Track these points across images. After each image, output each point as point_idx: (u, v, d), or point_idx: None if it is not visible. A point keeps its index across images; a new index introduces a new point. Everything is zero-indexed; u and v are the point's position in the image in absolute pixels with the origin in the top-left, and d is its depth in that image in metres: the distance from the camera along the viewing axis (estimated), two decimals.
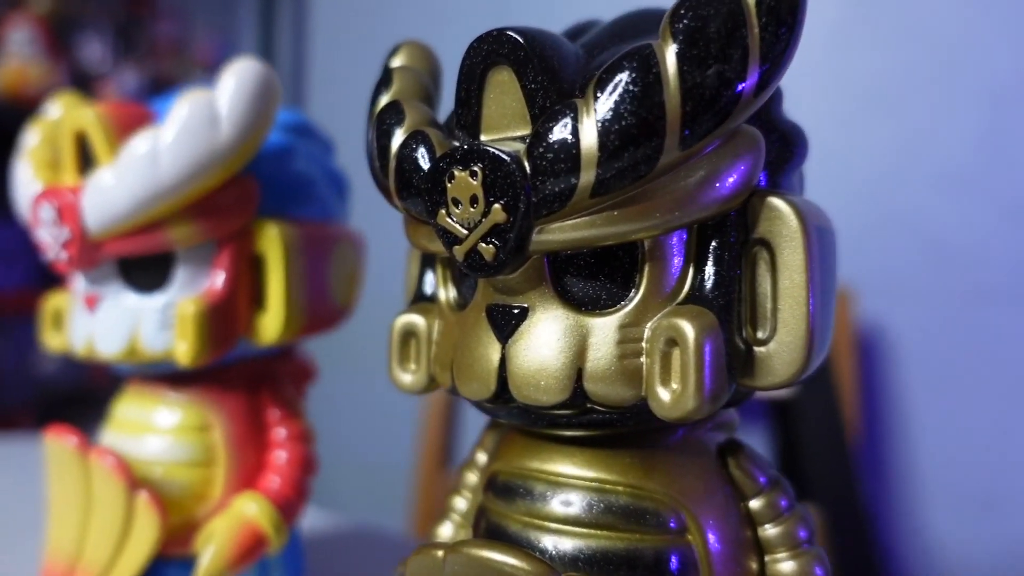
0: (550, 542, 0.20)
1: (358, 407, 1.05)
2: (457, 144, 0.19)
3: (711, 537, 0.20)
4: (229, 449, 0.30)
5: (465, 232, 0.18)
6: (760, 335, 0.19)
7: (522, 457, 0.22)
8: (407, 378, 0.23)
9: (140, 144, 0.26)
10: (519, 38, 0.18)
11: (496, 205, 0.18)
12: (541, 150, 0.17)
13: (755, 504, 0.21)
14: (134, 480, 0.28)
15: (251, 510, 0.29)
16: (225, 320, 0.28)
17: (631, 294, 0.19)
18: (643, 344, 0.19)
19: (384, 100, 0.21)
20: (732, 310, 0.19)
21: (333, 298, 0.31)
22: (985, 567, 0.70)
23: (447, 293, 0.22)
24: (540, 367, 0.19)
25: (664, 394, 0.18)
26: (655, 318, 0.19)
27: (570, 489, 0.20)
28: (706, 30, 0.17)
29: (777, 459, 0.76)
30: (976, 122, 0.68)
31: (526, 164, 0.17)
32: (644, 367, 0.19)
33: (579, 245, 0.18)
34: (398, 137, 0.20)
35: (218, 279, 0.29)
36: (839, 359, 0.71)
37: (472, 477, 0.25)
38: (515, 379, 0.19)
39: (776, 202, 0.19)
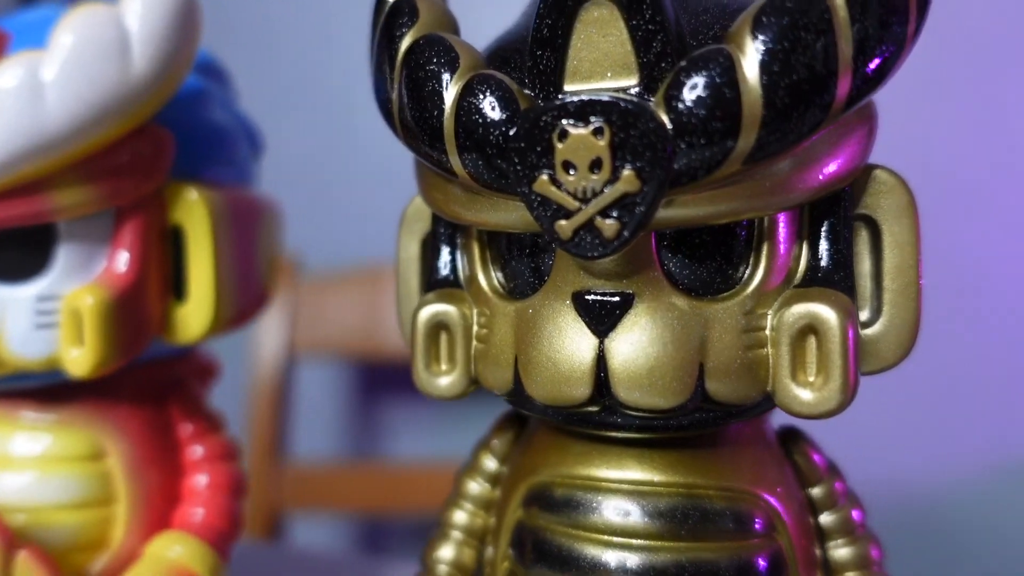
0: (635, 560, 0.17)
1: None
2: (572, 94, 0.15)
3: (794, 534, 0.18)
4: (131, 480, 0.23)
5: (577, 204, 0.15)
6: (862, 317, 0.17)
7: (578, 464, 0.19)
8: (442, 381, 0.18)
9: (11, 75, 0.19)
10: None
11: (627, 170, 0.14)
12: (690, 105, 0.14)
13: (817, 491, 0.20)
14: (9, 536, 0.21)
15: (176, 553, 0.22)
16: (134, 314, 0.21)
17: (745, 276, 0.17)
18: (766, 332, 0.16)
19: (410, 33, 0.17)
20: (855, 292, 0.17)
21: (260, 282, 0.25)
22: None
23: (489, 277, 0.18)
24: (654, 365, 0.16)
25: (801, 390, 0.16)
26: (776, 303, 0.16)
27: (653, 497, 0.18)
28: None
29: None
30: None
31: (666, 121, 0.14)
32: (769, 359, 0.16)
33: (707, 221, 0.15)
34: (454, 82, 0.16)
35: (120, 260, 0.22)
36: None
37: (475, 486, 0.21)
38: (621, 380, 0.16)
39: (884, 175, 0.17)
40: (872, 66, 0.15)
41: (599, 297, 0.16)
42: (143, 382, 0.24)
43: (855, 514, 0.20)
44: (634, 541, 0.17)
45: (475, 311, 0.18)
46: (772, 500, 0.18)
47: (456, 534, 0.21)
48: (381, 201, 0.66)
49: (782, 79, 0.14)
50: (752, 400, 0.16)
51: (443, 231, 0.20)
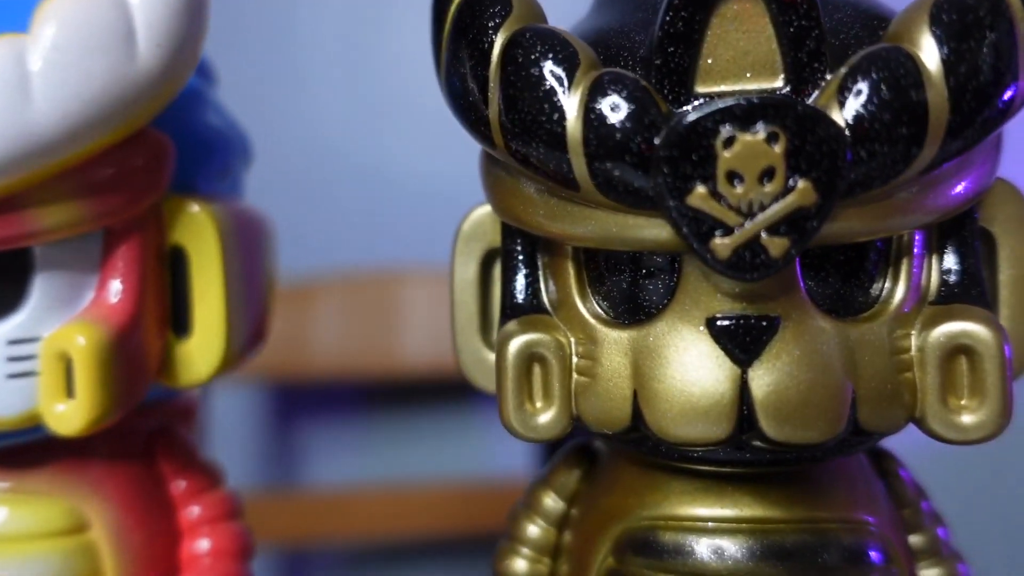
0: None
1: None
2: (735, 95, 0.13)
3: (905, 561, 0.18)
4: (120, 553, 0.19)
5: (740, 219, 0.13)
6: None
7: (683, 504, 0.17)
8: (542, 419, 0.16)
9: None
10: None
11: (803, 182, 0.13)
12: (873, 108, 0.13)
13: (908, 512, 0.19)
14: None
15: None
16: (133, 355, 0.18)
17: (884, 294, 0.15)
18: (912, 354, 0.15)
19: (506, 25, 0.15)
20: (992, 307, 0.16)
21: (264, 310, 0.22)
22: None
23: (588, 301, 0.16)
24: (808, 395, 0.14)
25: (957, 415, 0.15)
26: (917, 322, 0.15)
27: (777, 535, 0.16)
28: None
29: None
30: None
31: (844, 126, 0.13)
32: (917, 382, 0.15)
33: (864, 236, 0.14)
34: (577, 82, 0.14)
35: (112, 290, 0.18)
36: None
37: (535, 530, 0.19)
38: (770, 413, 0.14)
39: (999, 185, 0.16)
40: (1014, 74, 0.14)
41: (741, 322, 0.14)
42: (124, 434, 0.20)
43: (941, 533, 0.19)
44: None
45: (572, 340, 0.16)
46: (886, 528, 0.17)
47: None
48: (305, 212, 0.62)
49: (970, 81, 0.13)
50: (899, 428, 0.15)
51: (520, 248, 0.17)
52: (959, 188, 0.15)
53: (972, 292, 0.16)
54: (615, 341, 0.16)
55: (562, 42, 0.14)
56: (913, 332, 0.15)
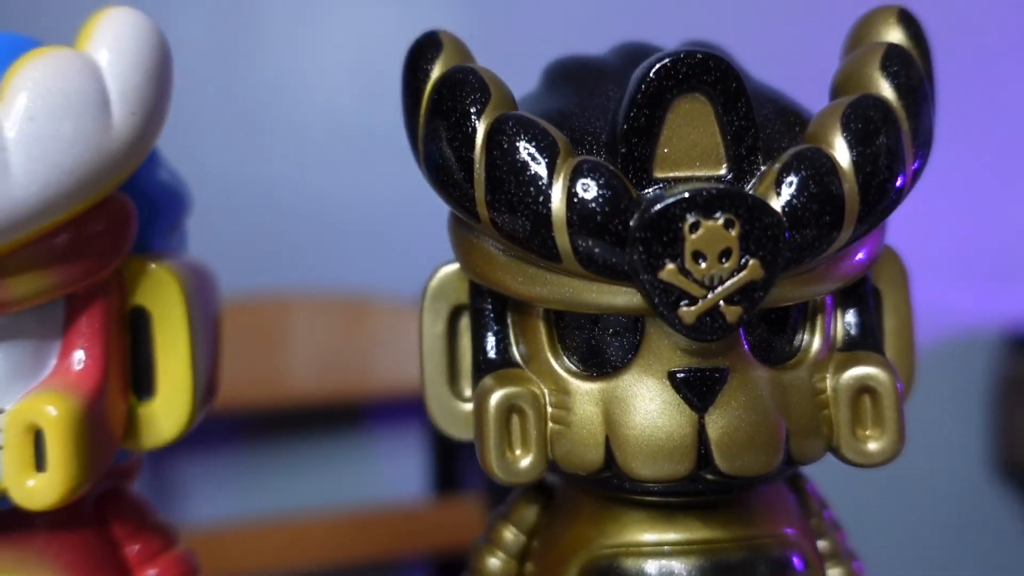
0: None
1: None
2: (697, 186, 0.15)
3: (819, 564, 0.20)
4: None
5: (704, 291, 0.15)
6: None
7: (642, 531, 0.19)
8: (524, 464, 0.17)
9: None
10: (728, 64, 0.16)
11: (753, 260, 0.15)
12: (803, 199, 0.15)
13: (815, 521, 0.22)
14: None
15: None
16: (102, 423, 0.17)
17: (803, 345, 0.18)
18: (827, 394, 0.18)
19: (487, 111, 0.16)
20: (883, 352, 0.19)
21: (218, 363, 0.22)
22: None
23: (558, 356, 0.18)
24: (753, 434, 0.17)
25: (864, 443, 0.18)
26: (829, 367, 0.18)
27: (723, 554, 0.18)
28: (912, 87, 0.17)
29: (433, 454, 0.78)
30: None
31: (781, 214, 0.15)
32: (832, 417, 0.18)
33: (793, 301, 0.17)
34: (560, 167, 0.15)
35: (75, 358, 0.17)
36: None
37: (496, 563, 0.21)
38: (725, 450, 0.16)
39: (887, 250, 0.20)
40: (918, 163, 0.17)
41: (698, 375, 0.17)
42: (74, 501, 0.20)
43: (840, 537, 0.22)
44: None
45: (545, 391, 0.18)
46: (803, 538, 0.20)
47: None
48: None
49: (874, 177, 0.16)
50: (820, 457, 0.18)
51: (490, 307, 0.19)
52: (861, 257, 0.18)
53: (869, 340, 0.19)
54: (586, 392, 0.17)
55: (542, 131, 0.16)
56: (828, 376, 0.18)
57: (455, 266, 0.19)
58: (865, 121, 0.16)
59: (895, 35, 0.18)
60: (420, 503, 0.77)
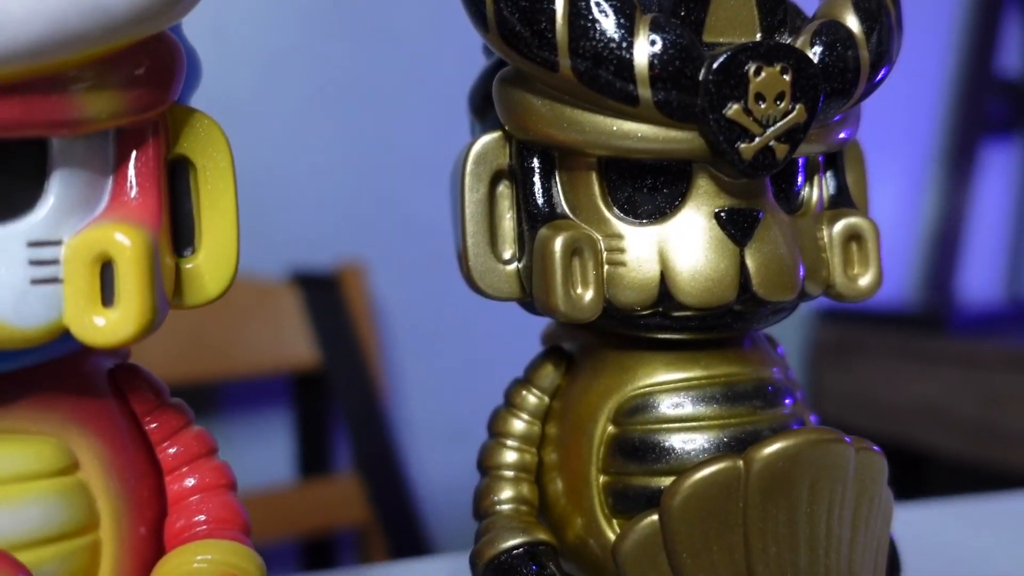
0: (721, 436, 0.20)
1: None
2: (758, 40, 0.18)
3: (803, 403, 0.23)
4: (111, 494, 0.17)
5: (761, 129, 0.18)
6: None
7: (668, 371, 0.21)
8: (587, 299, 0.19)
9: None
10: None
11: (799, 105, 0.18)
12: (834, 58, 0.19)
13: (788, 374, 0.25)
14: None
15: (210, 561, 0.17)
16: (161, 266, 0.17)
17: (806, 199, 0.21)
18: (824, 241, 0.21)
19: None
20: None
21: None
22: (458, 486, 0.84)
23: (609, 204, 0.19)
24: (783, 266, 0.19)
25: (855, 281, 0.21)
26: (824, 222, 0.21)
27: (735, 385, 0.21)
28: None
29: (301, 434, 0.75)
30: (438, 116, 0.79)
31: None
32: (827, 260, 0.21)
33: (807, 153, 0.20)
34: (639, 20, 0.17)
35: (132, 193, 0.16)
36: (363, 330, 0.75)
37: (520, 424, 0.22)
38: (761, 278, 0.19)
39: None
40: (896, 49, 0.21)
41: (739, 213, 0.19)
42: (88, 371, 0.18)
43: (801, 392, 0.25)
44: (724, 421, 0.20)
45: (599, 237, 0.19)
46: (791, 383, 0.23)
47: (509, 473, 0.22)
48: None
49: (879, 48, 0.19)
50: (819, 294, 0.21)
51: (539, 166, 0.20)
52: (845, 134, 0.21)
53: (848, 200, 0.22)
54: (639, 235, 0.19)
55: None
56: (824, 226, 0.21)
57: (494, 134, 0.21)
58: (871, 1, 0.19)
59: None
60: (287, 486, 0.74)
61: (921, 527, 0.30)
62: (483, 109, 0.22)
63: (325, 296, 0.73)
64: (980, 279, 1.04)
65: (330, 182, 0.77)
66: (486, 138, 0.21)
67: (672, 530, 0.18)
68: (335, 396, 0.73)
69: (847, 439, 0.18)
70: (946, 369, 0.85)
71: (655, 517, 0.18)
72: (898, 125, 1.00)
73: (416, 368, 0.81)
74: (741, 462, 0.18)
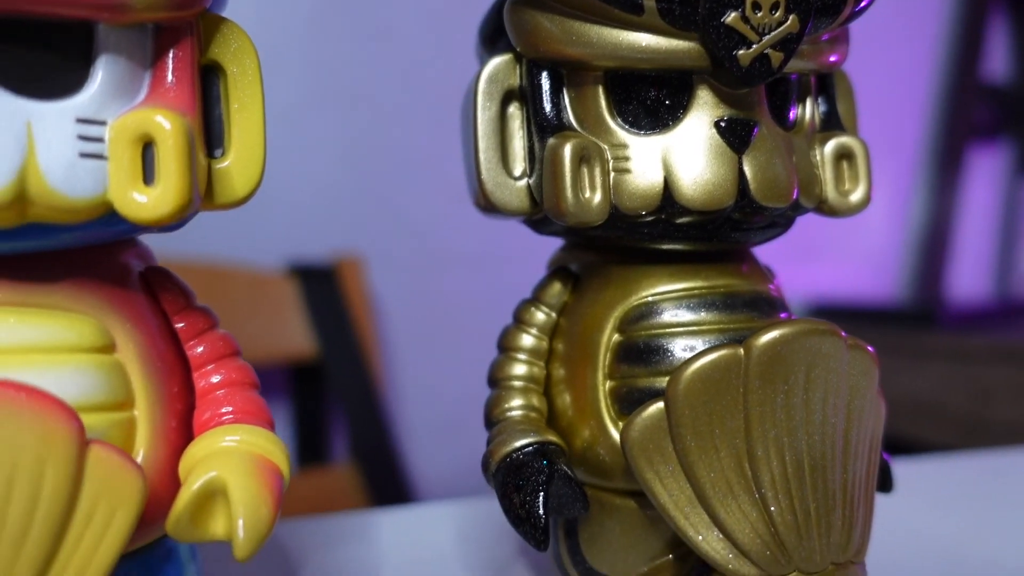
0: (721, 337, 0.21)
1: None
2: None
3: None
4: (146, 378, 0.18)
5: (757, 37, 0.19)
6: None
7: (670, 282, 0.22)
8: (595, 203, 0.20)
9: None
10: None
11: (793, 15, 0.19)
12: None
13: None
14: (83, 430, 0.15)
15: (239, 442, 0.18)
16: (197, 153, 0.18)
17: (799, 118, 0.23)
18: (817, 159, 0.22)
19: None
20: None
21: None
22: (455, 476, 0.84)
23: (615, 117, 0.21)
24: (778, 174, 0.21)
25: (846, 196, 0.22)
26: (816, 143, 0.22)
27: (735, 294, 0.22)
28: None
29: (299, 424, 0.76)
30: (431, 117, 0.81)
31: None
32: (820, 176, 0.22)
33: (799, 70, 0.21)
34: None
35: (169, 84, 0.18)
36: (360, 322, 0.75)
37: (529, 339, 0.23)
38: (758, 184, 0.20)
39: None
40: None
41: (737, 123, 0.20)
42: (120, 265, 0.19)
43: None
44: (724, 326, 0.21)
45: (605, 146, 0.20)
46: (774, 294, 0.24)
47: (518, 384, 0.22)
48: None
49: None
50: (812, 208, 0.22)
51: (548, 83, 0.21)
52: (836, 57, 0.22)
53: (838, 122, 0.23)
54: (644, 144, 0.20)
55: None
56: (816, 146, 0.22)
57: (505, 56, 0.22)
58: None
59: None
60: None
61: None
62: (493, 39, 0.23)
63: (322, 287, 0.74)
64: (969, 277, 1.06)
65: (328, 173, 0.79)
66: (497, 59, 0.22)
67: (677, 414, 0.19)
68: (332, 387, 0.74)
69: (842, 333, 0.19)
70: (936, 363, 0.86)
71: (661, 404, 0.19)
72: (888, 129, 1.02)
73: (413, 359, 0.82)
74: (741, 350, 0.19)
